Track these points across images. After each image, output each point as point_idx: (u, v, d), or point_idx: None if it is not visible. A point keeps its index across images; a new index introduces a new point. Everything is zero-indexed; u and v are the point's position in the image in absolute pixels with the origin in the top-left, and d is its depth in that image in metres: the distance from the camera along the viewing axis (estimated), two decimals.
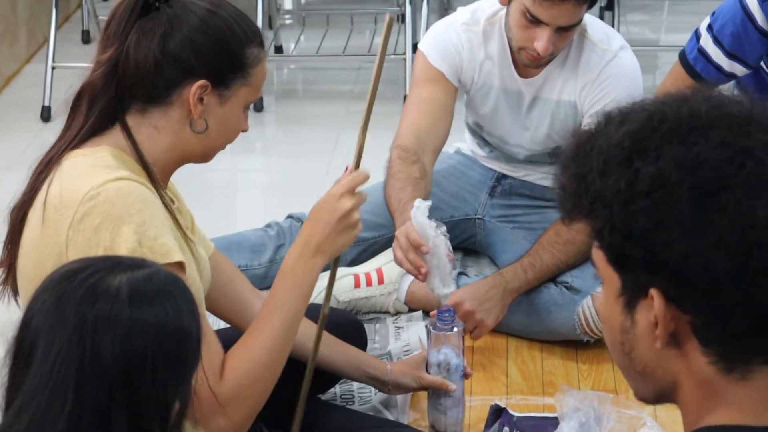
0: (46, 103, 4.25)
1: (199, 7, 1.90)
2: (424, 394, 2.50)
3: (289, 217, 3.11)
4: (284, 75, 4.76)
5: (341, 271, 2.94)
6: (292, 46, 4.87)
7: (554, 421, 2.40)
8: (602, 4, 4.47)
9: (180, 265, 1.80)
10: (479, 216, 3.11)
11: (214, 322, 2.45)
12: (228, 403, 1.86)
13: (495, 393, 2.62)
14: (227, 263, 2.23)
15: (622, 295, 1.15)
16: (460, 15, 2.85)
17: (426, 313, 2.89)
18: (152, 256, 1.72)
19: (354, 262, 3.06)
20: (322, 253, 1.97)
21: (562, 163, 1.17)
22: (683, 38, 4.87)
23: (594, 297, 2.73)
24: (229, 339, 2.00)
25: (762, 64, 2.69)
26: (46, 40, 4.46)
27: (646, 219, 1.08)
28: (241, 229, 3.09)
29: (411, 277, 2.82)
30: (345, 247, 2.02)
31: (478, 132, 3.03)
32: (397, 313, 2.94)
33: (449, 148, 2.96)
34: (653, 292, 1.11)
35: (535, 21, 2.61)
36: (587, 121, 2.77)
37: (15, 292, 1.93)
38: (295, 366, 2.09)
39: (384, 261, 2.95)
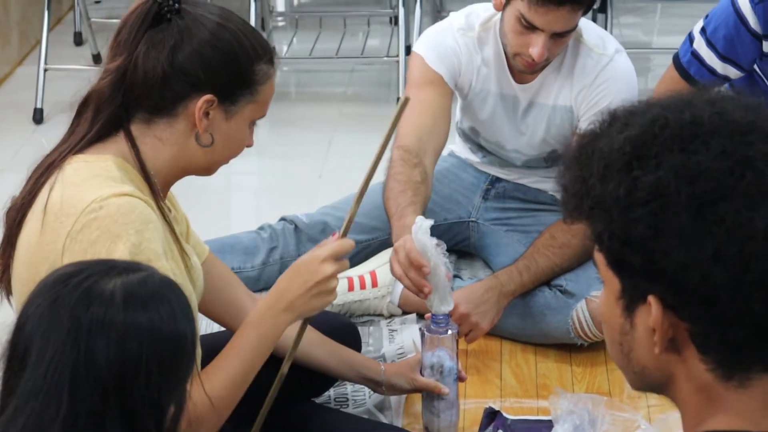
0: (38, 105, 4.25)
1: (210, 21, 1.89)
2: (418, 398, 2.49)
3: (282, 219, 3.11)
4: (277, 77, 4.74)
5: None
6: (285, 48, 4.87)
7: (548, 424, 2.40)
8: (595, 7, 4.47)
9: None
10: (473, 219, 3.11)
11: (207, 325, 2.44)
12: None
13: (489, 396, 2.62)
14: (221, 266, 2.22)
15: (621, 298, 1.15)
16: (455, 20, 2.83)
17: (420, 316, 2.89)
18: None
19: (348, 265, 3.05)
20: (292, 311, 1.98)
21: (565, 163, 1.17)
22: (676, 41, 4.89)
23: (588, 301, 2.73)
24: (223, 342, 2.01)
25: (755, 66, 2.69)
26: (38, 42, 4.46)
27: (645, 227, 1.08)
28: (235, 232, 3.09)
29: None
30: (316, 310, 2.04)
31: (472, 138, 3.01)
32: (391, 316, 2.94)
33: (443, 150, 2.94)
34: (651, 299, 1.10)
35: (530, 27, 2.61)
36: (582, 126, 2.78)
37: (9, 293, 1.92)
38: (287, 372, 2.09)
39: (378, 264, 2.95)
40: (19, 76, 4.67)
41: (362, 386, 2.57)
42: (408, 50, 4.32)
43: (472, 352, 2.78)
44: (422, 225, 2.40)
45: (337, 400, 2.58)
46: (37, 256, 1.80)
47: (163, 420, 1.31)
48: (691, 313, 1.09)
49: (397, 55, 4.31)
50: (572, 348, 2.77)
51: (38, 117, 4.24)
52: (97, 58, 4.70)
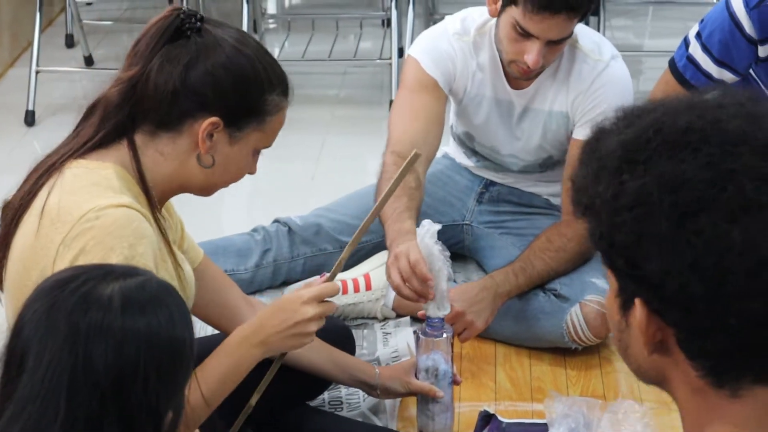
0: (30, 108, 4.23)
1: (229, 44, 1.87)
2: (413, 401, 2.49)
3: (276, 221, 3.10)
4: None
5: None
6: (278, 50, 4.86)
7: (543, 428, 2.40)
8: None
9: None
10: (467, 222, 3.10)
11: (202, 328, 2.44)
12: None
13: (484, 399, 2.62)
14: (216, 269, 2.22)
15: (618, 296, 1.15)
16: (451, 24, 2.82)
17: (414, 319, 2.88)
18: None
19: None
20: (266, 347, 1.97)
21: (579, 156, 1.18)
22: (667, 43, 4.93)
23: (582, 305, 2.73)
24: (216, 345, 2.00)
25: (751, 71, 2.69)
26: (30, 44, 4.44)
27: (628, 232, 1.08)
28: (228, 234, 3.08)
29: None
30: (291, 349, 2.04)
31: (467, 143, 3.00)
32: (385, 318, 2.94)
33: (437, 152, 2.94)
34: (637, 301, 1.11)
35: (525, 34, 2.60)
36: (577, 132, 2.78)
37: (0, 290, 1.91)
38: (281, 374, 2.09)
39: (371, 267, 2.95)
40: (10, 78, 4.65)
41: (357, 390, 2.57)
42: (401, 53, 4.33)
43: (466, 355, 2.77)
44: (430, 229, 2.39)
45: (331, 403, 2.58)
46: (29, 260, 1.79)
47: (160, 426, 1.31)
48: (673, 319, 1.09)
49: (390, 58, 4.31)
50: (566, 351, 2.77)
51: (30, 119, 4.22)
52: (88, 60, 4.69)
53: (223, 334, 2.18)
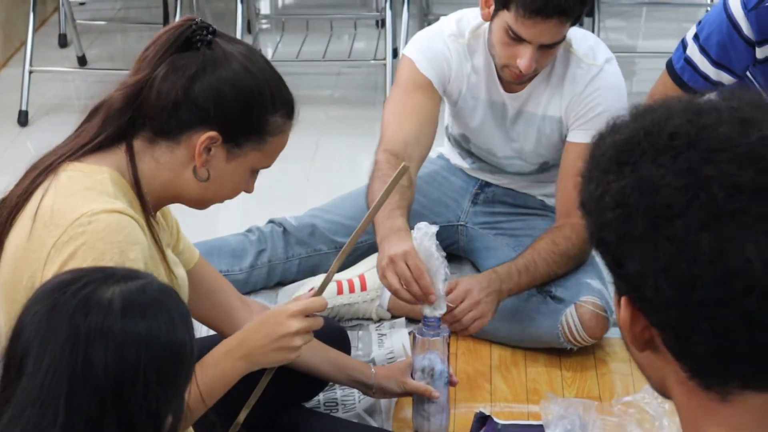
0: (23, 108, 4.22)
1: (237, 60, 1.86)
2: (408, 402, 2.49)
3: (270, 221, 3.10)
4: None
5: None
6: (272, 51, 4.86)
7: (539, 429, 2.40)
8: None
9: None
10: (462, 223, 3.10)
11: (197, 328, 2.43)
12: None
13: (479, 400, 2.61)
14: (212, 270, 2.21)
15: (615, 293, 1.16)
16: (446, 25, 2.81)
17: (410, 320, 2.88)
18: None
19: None
20: (250, 361, 1.96)
21: (584, 155, 1.18)
22: (661, 44, 4.94)
23: (578, 306, 2.72)
24: (212, 346, 2.00)
25: (747, 73, 2.69)
26: (23, 43, 4.43)
27: (612, 232, 1.09)
28: (222, 234, 3.07)
29: None
30: (275, 364, 2.02)
31: (463, 144, 3.00)
32: (380, 319, 2.93)
33: (432, 152, 2.93)
34: (623, 299, 1.12)
35: (517, 39, 2.58)
36: (572, 135, 2.77)
37: None
38: (276, 375, 2.09)
39: (367, 267, 2.94)
40: (3, 78, 4.65)
41: (352, 391, 2.57)
42: (395, 53, 4.32)
43: (461, 356, 2.77)
44: (428, 231, 2.38)
45: (326, 404, 2.57)
46: (21, 262, 1.78)
47: (160, 429, 1.30)
48: (654, 319, 1.10)
49: (384, 59, 4.30)
50: (562, 352, 2.77)
51: (23, 119, 4.21)
52: (81, 60, 4.68)
53: (219, 335, 2.18)
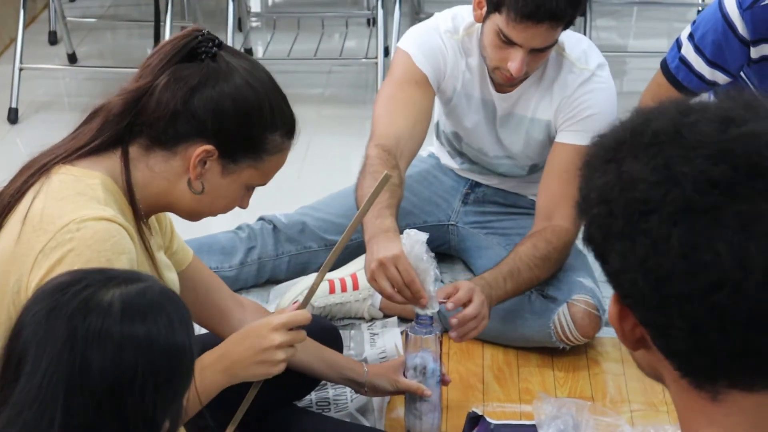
0: (14, 105, 4.20)
1: (240, 75, 1.84)
2: (400, 401, 2.48)
3: (261, 219, 3.09)
4: None
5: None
6: (264, 49, 4.85)
7: (532, 429, 2.40)
8: None
9: None
10: (452, 222, 3.09)
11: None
12: None
13: (471, 400, 2.61)
14: (205, 270, 2.21)
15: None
16: (442, 21, 2.79)
17: (401, 319, 2.87)
18: None
19: None
20: (231, 374, 1.95)
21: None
22: (652, 44, 4.94)
23: (570, 305, 2.72)
24: (207, 343, 2.00)
25: (742, 73, 2.69)
26: (13, 41, 4.42)
27: (597, 228, 1.10)
28: (212, 231, 3.06)
29: None
30: (257, 377, 2.00)
31: (454, 143, 2.99)
32: (372, 319, 2.93)
33: (422, 151, 2.92)
34: (612, 296, 1.13)
35: (508, 42, 2.57)
36: (560, 136, 2.76)
37: None
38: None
39: (358, 267, 2.93)
40: None
41: (344, 390, 2.56)
42: (386, 52, 4.31)
43: (454, 356, 2.77)
44: (419, 239, 2.38)
45: (318, 404, 2.57)
46: (9, 265, 1.77)
47: None
48: (638, 316, 1.10)
49: (376, 57, 4.30)
50: (554, 352, 2.76)
51: (13, 117, 4.19)
52: (72, 58, 4.66)
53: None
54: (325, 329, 2.49)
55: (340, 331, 2.59)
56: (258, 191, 3.83)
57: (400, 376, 2.39)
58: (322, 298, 2.88)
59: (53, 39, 4.89)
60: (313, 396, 2.56)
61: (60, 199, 1.78)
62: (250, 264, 3.02)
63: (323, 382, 2.52)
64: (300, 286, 2.89)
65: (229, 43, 4.25)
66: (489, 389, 2.67)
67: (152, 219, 1.98)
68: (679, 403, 1.14)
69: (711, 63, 2.67)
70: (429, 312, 2.38)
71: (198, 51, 1.84)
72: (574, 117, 2.72)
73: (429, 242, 2.42)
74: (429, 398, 2.38)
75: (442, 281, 2.93)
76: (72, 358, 1.26)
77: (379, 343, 2.82)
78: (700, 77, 2.70)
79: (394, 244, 2.40)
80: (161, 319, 1.30)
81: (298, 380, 2.35)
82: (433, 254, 2.42)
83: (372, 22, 4.77)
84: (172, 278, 1.96)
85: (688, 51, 2.70)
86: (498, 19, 2.56)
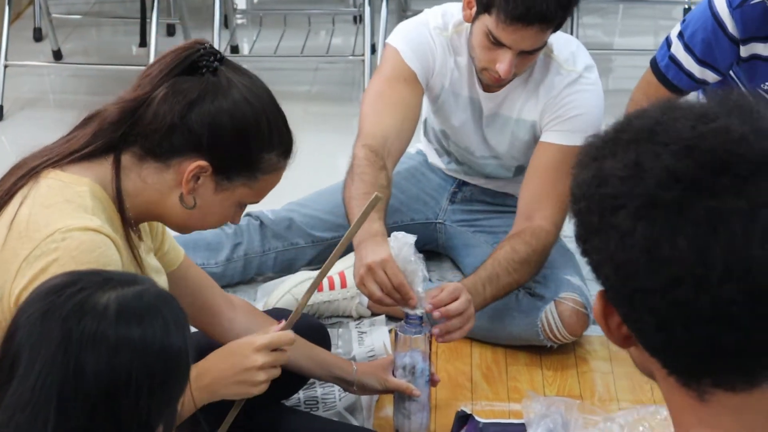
0: None
1: (240, 91, 1.82)
2: (389, 400, 2.48)
3: (247, 215, 3.07)
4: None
5: (304, 275, 2.91)
6: (250, 46, 4.83)
7: (521, 428, 2.39)
8: None
9: None
10: (440, 221, 3.09)
11: None
12: None
13: (460, 399, 2.61)
14: (197, 270, 2.20)
15: None
16: (432, 17, 2.77)
17: (390, 317, 2.87)
18: None
19: (312, 262, 3.04)
20: (210, 391, 1.94)
21: None
22: (638, 41, 4.94)
23: (557, 303, 2.72)
24: (199, 343, 1.98)
25: (731, 71, 2.69)
26: None
27: (580, 223, 1.11)
28: None
29: None
30: (236, 396, 1.99)
31: (442, 141, 2.98)
32: (360, 317, 2.92)
33: (410, 147, 2.91)
34: (597, 292, 1.13)
35: (497, 43, 2.56)
36: (544, 136, 2.75)
37: None
38: None
39: (346, 265, 2.92)
40: None
41: (332, 388, 2.56)
42: (373, 49, 4.31)
43: (442, 355, 2.76)
44: (407, 241, 2.38)
45: (307, 402, 2.56)
46: None
47: None
48: (619, 312, 1.11)
49: (363, 54, 4.29)
50: (542, 351, 2.76)
51: None
52: (57, 55, 4.64)
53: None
54: (313, 327, 2.49)
55: (328, 330, 2.59)
56: None
57: (389, 375, 2.39)
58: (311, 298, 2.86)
59: (38, 36, 4.86)
60: (301, 394, 2.56)
61: (47, 206, 1.76)
62: (236, 260, 3.01)
63: (311, 380, 2.51)
64: (288, 284, 2.88)
65: (215, 40, 4.24)
66: (477, 388, 2.67)
67: (144, 224, 1.96)
68: (669, 401, 1.14)
69: (701, 61, 2.67)
70: (418, 312, 2.37)
71: (199, 64, 1.82)
72: (559, 117, 2.71)
73: (417, 240, 2.42)
74: (418, 398, 2.38)
75: (430, 280, 2.92)
76: (66, 361, 1.25)
77: (368, 342, 2.81)
78: (689, 76, 2.70)
79: (382, 248, 2.40)
80: (157, 322, 1.29)
81: (286, 378, 2.33)
82: (421, 255, 2.42)
83: (359, 19, 4.75)
84: (161, 282, 1.95)
85: (677, 49, 2.70)
86: (487, 20, 2.55)
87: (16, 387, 1.26)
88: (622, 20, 5.25)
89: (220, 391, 1.95)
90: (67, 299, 1.28)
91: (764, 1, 2.53)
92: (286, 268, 3.03)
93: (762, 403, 1.08)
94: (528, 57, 2.61)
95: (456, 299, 2.44)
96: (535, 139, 2.78)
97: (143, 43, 4.26)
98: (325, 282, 2.91)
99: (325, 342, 2.48)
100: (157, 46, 4.15)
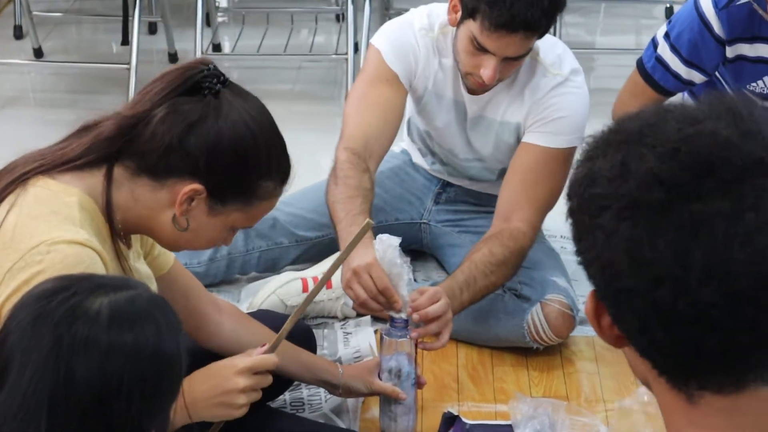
0: None
1: (241, 116, 1.79)
2: (375, 402, 2.47)
3: None
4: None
5: (289, 275, 2.90)
6: (232, 44, 4.81)
7: (508, 429, 2.40)
8: None
9: None
10: (425, 221, 3.09)
11: None
12: None
13: (446, 400, 2.60)
14: (186, 275, 2.18)
15: None
16: (417, 18, 2.76)
17: (375, 318, 2.86)
18: None
19: (296, 261, 3.03)
20: (191, 411, 1.92)
21: None
22: (619, 41, 4.94)
23: (543, 304, 2.72)
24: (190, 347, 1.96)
25: (717, 72, 2.69)
26: None
27: (572, 223, 1.11)
28: None
29: None
30: (216, 418, 1.97)
31: (426, 141, 2.97)
32: (345, 318, 2.91)
33: (394, 146, 2.90)
34: (589, 292, 1.12)
35: (482, 49, 2.55)
36: (527, 137, 2.74)
37: None
38: None
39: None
40: None
41: (318, 390, 2.55)
42: (356, 48, 4.29)
43: (428, 356, 2.75)
44: (392, 243, 2.37)
45: (293, 404, 2.55)
46: None
47: None
48: (608, 312, 1.11)
49: (346, 53, 4.27)
50: (528, 352, 2.76)
51: None
52: (38, 52, 4.61)
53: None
54: (299, 329, 2.47)
55: (314, 330, 2.58)
56: None
57: (375, 378, 2.38)
58: (295, 297, 2.86)
59: (18, 33, 4.82)
60: (287, 396, 2.55)
61: (34, 217, 1.73)
62: (219, 260, 3.00)
63: (297, 382, 2.50)
64: (272, 284, 2.87)
65: (198, 38, 4.22)
66: (464, 389, 2.66)
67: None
68: (661, 402, 1.14)
69: (687, 62, 2.67)
70: (404, 315, 2.37)
71: (201, 85, 1.79)
72: (543, 119, 2.71)
73: (401, 240, 2.41)
74: (404, 401, 2.37)
75: (415, 280, 2.91)
76: (57, 367, 1.24)
77: (353, 343, 2.81)
78: (676, 76, 2.70)
79: (368, 252, 2.39)
80: (149, 327, 1.28)
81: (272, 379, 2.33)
82: (407, 258, 2.41)
83: (342, 17, 4.74)
84: (152, 289, 1.93)
85: (664, 50, 2.70)
86: (472, 26, 2.54)
87: (8, 393, 1.25)
88: (604, 19, 5.25)
89: (201, 412, 1.93)
90: (59, 304, 1.27)
91: (750, 2, 2.53)
92: (270, 267, 3.02)
93: (751, 406, 1.08)
94: (513, 63, 2.60)
95: (435, 303, 2.43)
96: (519, 141, 2.77)
97: (125, 41, 4.23)
98: (310, 282, 2.89)
99: (310, 344, 2.47)
100: (139, 45, 4.13)
